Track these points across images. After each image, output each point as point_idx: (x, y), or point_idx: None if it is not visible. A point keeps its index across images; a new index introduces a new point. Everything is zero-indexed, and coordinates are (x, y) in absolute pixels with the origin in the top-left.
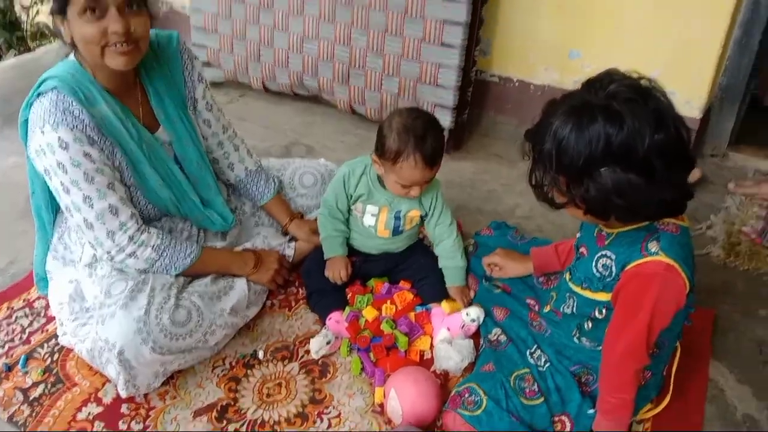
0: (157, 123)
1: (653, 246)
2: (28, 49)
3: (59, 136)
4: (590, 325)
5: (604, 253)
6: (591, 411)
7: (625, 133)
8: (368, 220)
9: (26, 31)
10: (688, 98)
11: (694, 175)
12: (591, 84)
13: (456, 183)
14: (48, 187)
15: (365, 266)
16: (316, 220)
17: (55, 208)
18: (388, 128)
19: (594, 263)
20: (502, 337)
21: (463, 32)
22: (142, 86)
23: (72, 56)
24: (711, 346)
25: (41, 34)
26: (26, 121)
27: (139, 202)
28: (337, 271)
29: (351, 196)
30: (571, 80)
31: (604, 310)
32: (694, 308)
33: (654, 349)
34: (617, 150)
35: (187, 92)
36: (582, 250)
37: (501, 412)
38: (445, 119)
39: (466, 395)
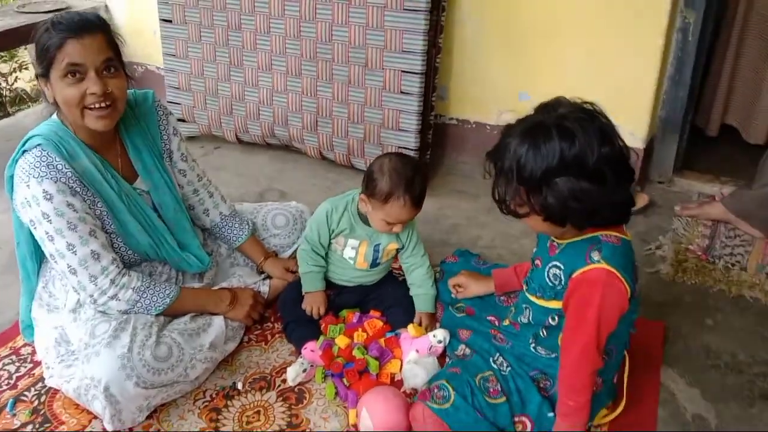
0: (135, 174)
1: (596, 255)
2: (8, 114)
3: (44, 189)
4: (545, 333)
5: (554, 263)
6: (550, 414)
7: (577, 147)
8: (348, 253)
9: (5, 96)
10: (632, 130)
11: (642, 200)
12: (543, 107)
13: (421, 219)
14: (32, 237)
15: (338, 299)
16: (289, 258)
17: (39, 258)
18: (379, 171)
19: (546, 273)
20: (467, 351)
21: (420, 81)
22: (121, 141)
23: (55, 116)
24: (662, 354)
25: (20, 100)
26: (12, 176)
27: (119, 249)
28: (315, 306)
29: (333, 231)
30: None
31: (556, 317)
32: (637, 314)
33: (603, 357)
34: (571, 162)
35: (163, 145)
36: (537, 262)
37: (467, 407)
38: None
39: (436, 390)
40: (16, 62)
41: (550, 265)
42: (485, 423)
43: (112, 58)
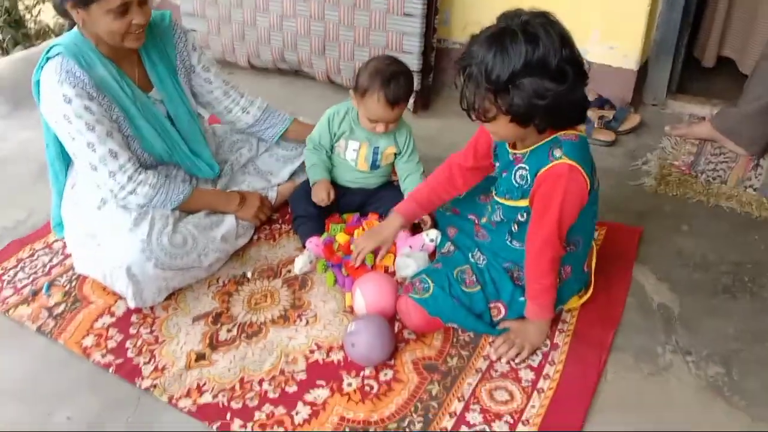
0: (150, 85)
1: (557, 152)
2: (32, 45)
3: (63, 92)
4: (516, 228)
5: (520, 165)
6: (522, 299)
7: (541, 49)
8: (350, 155)
9: (30, 29)
10: (625, 53)
11: (633, 120)
12: (506, 15)
13: (423, 137)
14: (58, 139)
15: (342, 200)
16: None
17: (66, 159)
18: (364, 68)
19: (513, 176)
20: (451, 248)
21: (422, 2)
22: (138, 54)
23: (75, 28)
24: (636, 253)
25: (44, 33)
26: (38, 81)
27: (136, 151)
28: (322, 193)
29: (335, 134)
30: None
31: (525, 214)
32: (597, 206)
33: (571, 247)
34: (535, 63)
35: (180, 61)
36: (503, 174)
37: (445, 296)
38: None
39: (417, 283)
40: None
41: (516, 168)
42: (461, 309)
43: None
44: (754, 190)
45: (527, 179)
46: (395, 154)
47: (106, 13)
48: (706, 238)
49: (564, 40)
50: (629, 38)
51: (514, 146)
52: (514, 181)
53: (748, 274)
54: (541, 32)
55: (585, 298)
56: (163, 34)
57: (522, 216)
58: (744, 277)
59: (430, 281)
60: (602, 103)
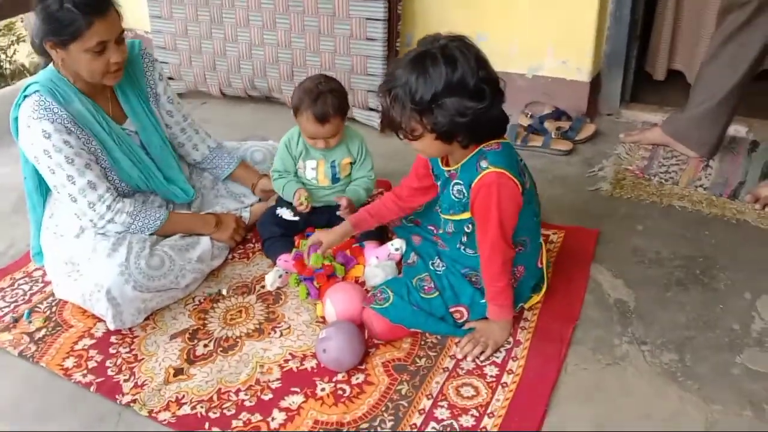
0: (124, 116)
1: (484, 163)
2: (8, 85)
3: (43, 128)
4: (466, 238)
5: (455, 182)
6: (482, 301)
7: (459, 71)
8: (309, 174)
9: (5, 69)
10: (578, 66)
11: (589, 129)
12: (425, 40)
13: (388, 154)
14: (36, 173)
15: (311, 218)
16: None
17: (44, 190)
18: (297, 89)
19: (451, 191)
20: (416, 257)
21: (383, 27)
22: (111, 88)
23: (51, 65)
24: (593, 253)
25: (19, 72)
26: (16, 118)
27: (114, 181)
28: (302, 198)
29: (295, 158)
30: None
31: (470, 225)
32: (534, 203)
33: (519, 247)
34: (455, 84)
35: (149, 89)
36: (444, 190)
37: (404, 304)
38: (377, 103)
39: (378, 294)
40: (13, 35)
41: (452, 184)
42: (421, 314)
43: (123, 28)
44: (704, 189)
45: (464, 193)
46: (351, 164)
47: (84, 52)
48: (659, 236)
49: (480, 61)
50: (580, 52)
51: (447, 164)
52: (453, 197)
53: (699, 267)
54: (458, 55)
55: (541, 294)
56: (134, 62)
57: (468, 227)
58: (696, 270)
59: (389, 291)
60: (559, 114)
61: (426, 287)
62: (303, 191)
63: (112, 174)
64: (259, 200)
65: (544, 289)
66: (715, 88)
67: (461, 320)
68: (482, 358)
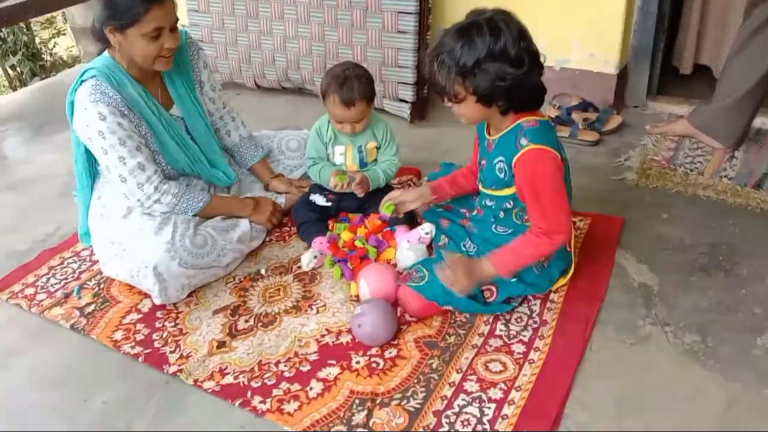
0: (171, 102)
1: (524, 140)
2: (48, 76)
3: (99, 111)
4: (503, 214)
5: (497, 159)
6: (513, 279)
7: (502, 40)
8: (338, 159)
9: (47, 61)
10: (606, 59)
11: (615, 121)
12: (474, 12)
13: (420, 145)
14: (87, 155)
15: (342, 204)
16: (298, 178)
17: (93, 173)
18: (325, 75)
19: (495, 169)
20: (446, 240)
21: (414, 20)
22: (160, 75)
23: (106, 53)
24: (618, 240)
25: (59, 65)
26: (72, 102)
27: (161, 164)
28: (336, 179)
29: (326, 144)
30: None
31: (511, 201)
32: (568, 180)
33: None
34: (497, 51)
35: (195, 76)
36: (483, 162)
37: (438, 282)
38: (407, 94)
39: (414, 273)
40: (54, 28)
41: (494, 161)
42: (453, 293)
43: (177, 19)
44: (729, 179)
45: (506, 171)
46: (377, 148)
47: (141, 36)
48: (684, 224)
49: (522, 33)
50: (608, 45)
51: (489, 133)
52: (496, 174)
53: (722, 254)
54: (502, 25)
55: (569, 276)
56: (181, 50)
57: (509, 203)
58: (719, 257)
59: (425, 270)
60: (586, 105)
61: None
62: (336, 172)
63: (160, 157)
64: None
65: (571, 273)
66: (741, 80)
67: (491, 299)
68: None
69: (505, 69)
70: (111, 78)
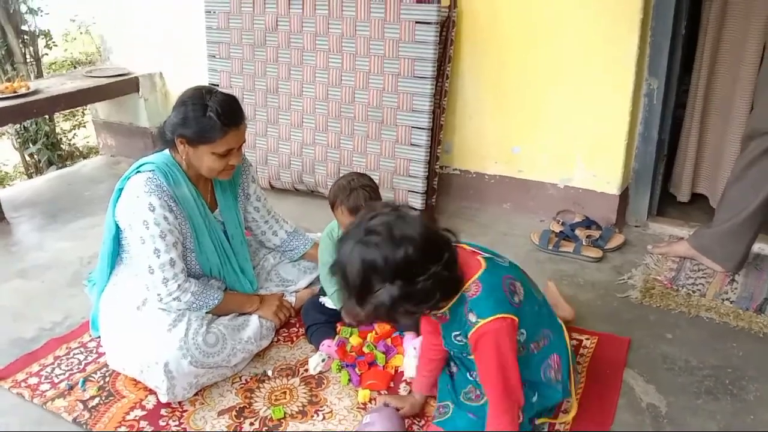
0: (216, 206)
1: (472, 317)
2: (64, 166)
3: (150, 202)
4: None
5: (454, 333)
6: (534, 399)
7: (380, 260)
8: None
9: (64, 150)
10: (608, 180)
11: (618, 239)
12: (359, 222)
13: None
14: (114, 243)
15: None
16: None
17: (113, 262)
18: (332, 187)
19: (453, 340)
20: (455, 369)
21: (427, 135)
22: (211, 180)
23: (167, 151)
24: (626, 359)
25: (75, 155)
26: (120, 189)
27: (190, 263)
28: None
29: None
30: (515, 170)
31: None
32: (541, 306)
33: (544, 341)
34: (383, 271)
35: (241, 188)
36: (443, 332)
37: (461, 413)
38: (416, 202)
39: (440, 409)
40: (76, 120)
41: (452, 335)
42: (477, 422)
43: (245, 138)
44: (731, 302)
45: (464, 341)
46: None
47: (211, 154)
48: (688, 345)
49: (399, 241)
50: (610, 167)
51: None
52: (455, 341)
53: (728, 377)
54: (379, 242)
55: (571, 414)
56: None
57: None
58: (725, 381)
59: (449, 404)
60: (589, 223)
61: (473, 396)
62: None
63: (191, 256)
64: (306, 287)
65: (572, 412)
66: (739, 207)
67: (519, 421)
68: None
69: (397, 289)
70: (168, 174)
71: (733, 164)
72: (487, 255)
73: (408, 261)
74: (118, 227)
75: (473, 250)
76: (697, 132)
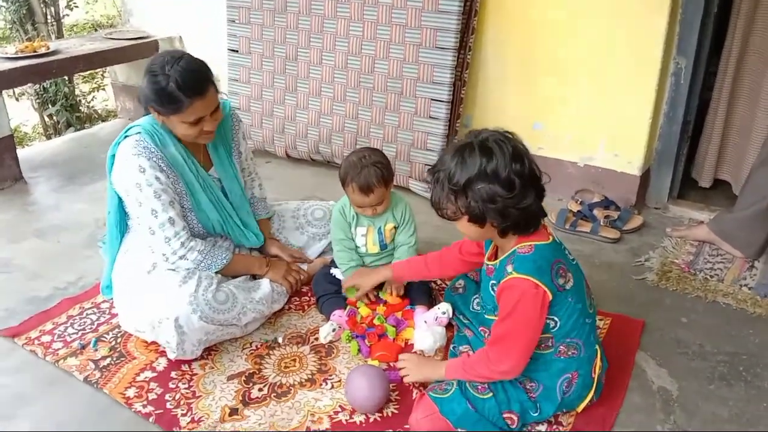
0: (210, 164)
1: (509, 267)
2: (83, 128)
3: (139, 164)
4: None
5: (492, 281)
6: (535, 414)
7: (494, 162)
8: (360, 240)
9: (83, 113)
10: (629, 160)
11: (636, 221)
12: (471, 132)
13: (441, 226)
14: (120, 209)
15: None
16: (321, 249)
17: (123, 227)
18: (343, 163)
19: (489, 290)
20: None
21: (446, 108)
22: None
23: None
24: (639, 342)
25: (94, 117)
26: (113, 155)
27: (191, 222)
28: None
29: (350, 224)
30: (536, 146)
31: None
32: (582, 303)
33: (572, 351)
34: (489, 173)
35: (234, 145)
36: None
37: (460, 398)
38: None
39: (443, 384)
40: (95, 83)
41: (490, 283)
42: (474, 414)
43: (218, 102)
44: (749, 288)
45: (494, 296)
46: (395, 228)
47: (182, 122)
48: (703, 330)
49: (516, 155)
50: (632, 147)
51: (495, 256)
52: (491, 291)
53: (743, 364)
54: (495, 147)
55: (587, 401)
56: (224, 121)
57: None
58: (739, 367)
59: (453, 383)
60: (608, 203)
61: (479, 386)
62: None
63: (192, 215)
64: (318, 256)
65: (589, 397)
66: (764, 193)
67: (513, 426)
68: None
69: (495, 191)
70: (155, 136)
71: (759, 149)
72: (560, 241)
73: (519, 173)
74: (119, 196)
75: (551, 232)
76: (724, 116)
